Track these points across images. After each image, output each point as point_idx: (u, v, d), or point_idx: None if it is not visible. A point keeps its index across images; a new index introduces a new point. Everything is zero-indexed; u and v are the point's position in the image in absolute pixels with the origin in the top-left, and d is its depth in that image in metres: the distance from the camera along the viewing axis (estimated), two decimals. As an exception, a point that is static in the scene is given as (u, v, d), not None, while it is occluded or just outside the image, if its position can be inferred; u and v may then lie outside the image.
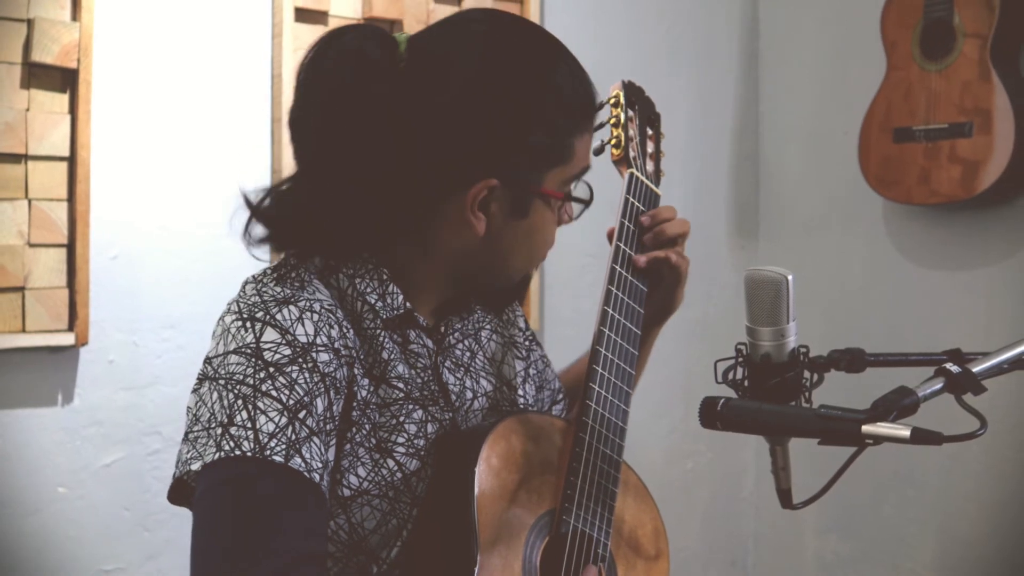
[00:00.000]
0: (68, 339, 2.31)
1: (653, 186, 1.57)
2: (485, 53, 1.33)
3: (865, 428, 1.19)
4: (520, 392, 1.52)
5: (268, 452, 1.18)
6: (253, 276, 1.34)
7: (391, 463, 1.30)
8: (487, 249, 1.36)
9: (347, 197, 1.32)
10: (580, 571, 1.36)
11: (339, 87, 1.30)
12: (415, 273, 1.37)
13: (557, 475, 1.38)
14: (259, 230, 1.35)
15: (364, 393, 1.29)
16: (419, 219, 1.35)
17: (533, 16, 2.89)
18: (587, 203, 1.41)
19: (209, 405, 1.23)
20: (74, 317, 2.32)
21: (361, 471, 1.28)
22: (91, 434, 2.38)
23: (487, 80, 1.31)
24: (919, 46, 2.89)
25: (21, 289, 2.26)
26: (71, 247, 2.32)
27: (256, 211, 1.34)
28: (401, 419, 1.32)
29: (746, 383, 1.40)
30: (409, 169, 1.31)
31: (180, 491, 1.26)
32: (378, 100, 1.30)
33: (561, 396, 1.62)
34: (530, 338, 1.60)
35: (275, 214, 1.34)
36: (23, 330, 2.26)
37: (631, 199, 1.52)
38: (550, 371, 1.62)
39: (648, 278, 1.53)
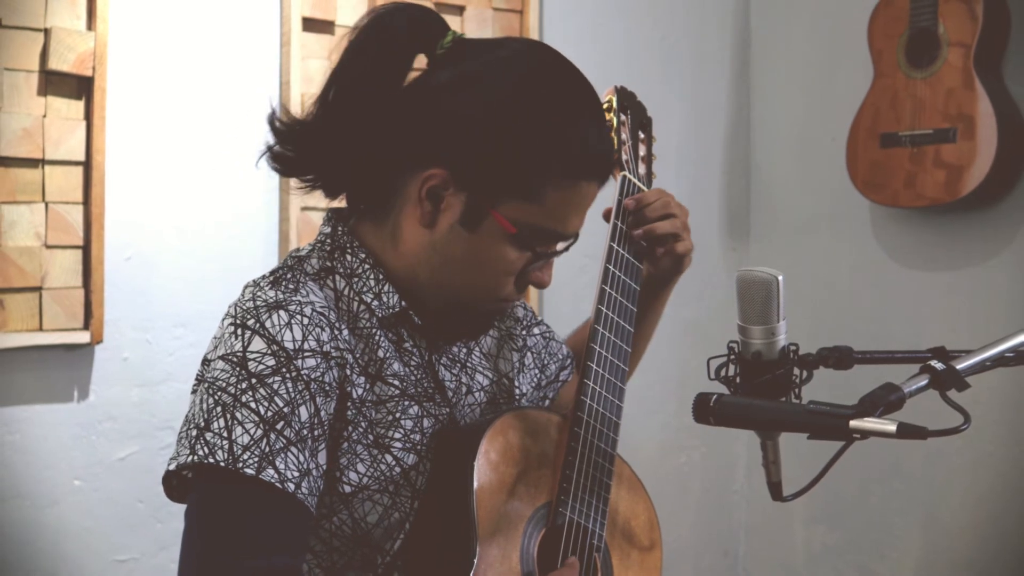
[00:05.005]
0: (84, 337, 2.33)
1: (645, 188, 1.61)
2: (505, 64, 1.33)
3: (853, 423, 1.20)
4: (516, 383, 1.53)
5: (240, 464, 1.20)
6: (253, 280, 1.36)
7: (389, 458, 1.32)
8: (435, 251, 1.34)
9: (339, 135, 1.34)
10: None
11: (367, 40, 1.33)
12: (392, 266, 1.37)
13: (553, 469, 1.40)
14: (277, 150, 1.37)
15: (359, 391, 1.31)
16: (387, 185, 1.36)
17: (532, 23, 2.91)
18: (533, 253, 1.34)
19: (195, 407, 1.27)
20: (89, 316, 2.33)
21: (360, 467, 1.31)
22: (106, 429, 2.39)
23: (491, 84, 1.32)
24: (905, 54, 2.91)
25: (38, 289, 2.28)
26: (87, 248, 2.33)
27: (273, 126, 1.37)
28: (397, 415, 1.34)
29: (738, 380, 1.41)
30: (393, 131, 1.33)
31: (175, 487, 1.30)
32: (394, 64, 1.33)
33: (569, 362, 1.64)
34: (529, 320, 1.61)
35: (286, 135, 1.37)
36: (40, 329, 2.28)
37: (624, 201, 1.55)
38: (554, 343, 1.63)
39: (646, 258, 1.56)
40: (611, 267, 1.52)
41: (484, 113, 1.30)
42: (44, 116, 2.28)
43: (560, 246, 1.38)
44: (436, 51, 1.35)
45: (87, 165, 2.33)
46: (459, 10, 2.80)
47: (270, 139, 1.38)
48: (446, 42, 1.34)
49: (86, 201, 2.34)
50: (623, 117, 1.63)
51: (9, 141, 2.24)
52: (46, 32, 2.27)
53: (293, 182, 1.39)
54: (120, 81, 2.39)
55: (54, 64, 2.27)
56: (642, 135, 1.67)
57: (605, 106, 1.60)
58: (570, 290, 2.96)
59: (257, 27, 2.57)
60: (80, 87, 2.33)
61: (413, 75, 1.37)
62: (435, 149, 1.31)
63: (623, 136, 1.61)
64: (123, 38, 2.39)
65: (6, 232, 2.24)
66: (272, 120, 1.37)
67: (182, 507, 1.27)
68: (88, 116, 2.33)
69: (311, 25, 2.60)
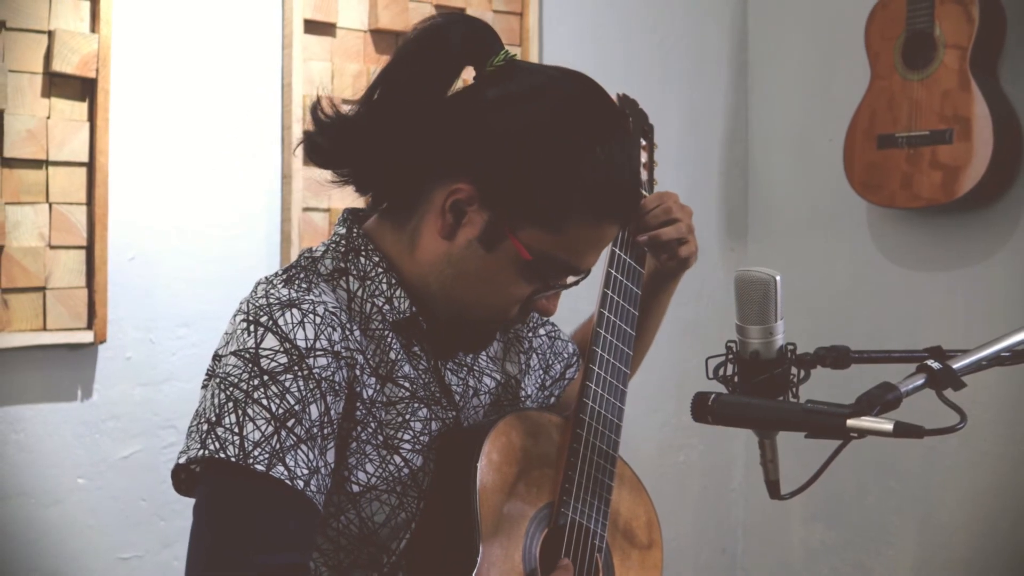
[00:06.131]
0: (87, 337, 2.34)
1: (646, 194, 1.63)
2: (550, 95, 1.33)
3: (850, 422, 1.21)
4: (522, 385, 1.55)
5: (251, 460, 1.21)
6: (265, 277, 1.37)
7: (398, 459, 1.34)
8: (450, 263, 1.34)
9: (378, 134, 1.34)
10: (578, 560, 1.41)
11: (420, 46, 1.34)
12: (406, 272, 1.38)
13: (555, 469, 1.42)
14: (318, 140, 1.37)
15: (370, 392, 1.32)
16: (415, 190, 1.36)
17: (532, 25, 2.92)
18: (543, 282, 1.35)
19: (205, 402, 1.27)
20: (93, 316, 2.34)
21: (369, 467, 1.32)
22: (109, 428, 2.41)
23: (533, 111, 1.31)
24: (901, 56, 2.92)
25: (42, 289, 2.29)
26: (90, 249, 2.34)
27: (316, 117, 1.37)
28: (407, 417, 1.35)
29: (736, 379, 1.41)
30: (430, 138, 1.33)
31: (184, 481, 1.30)
32: (442, 73, 1.34)
33: (575, 360, 1.65)
34: (535, 321, 1.62)
35: (327, 127, 1.37)
36: (44, 328, 2.29)
37: None
38: (560, 342, 1.65)
39: (652, 257, 1.58)
40: (613, 271, 1.54)
41: (522, 138, 1.30)
42: (48, 117, 2.29)
43: (571, 279, 1.38)
44: (486, 67, 1.35)
45: (90, 166, 2.35)
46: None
47: (310, 128, 1.38)
48: (498, 60, 1.34)
49: (89, 202, 2.35)
50: None
51: (13, 142, 2.25)
52: (50, 34, 2.28)
53: (327, 175, 1.39)
54: (123, 83, 2.40)
55: (58, 66, 2.28)
56: (643, 142, 1.68)
57: None
58: (567, 290, 2.97)
59: (259, 29, 2.58)
60: (84, 89, 2.34)
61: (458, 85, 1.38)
62: (468, 163, 1.31)
63: None
64: (126, 40, 2.41)
65: (10, 233, 2.26)
66: (315, 111, 1.37)
67: (185, 505, 1.27)
68: (91, 117, 2.34)
69: (312, 27, 2.61)
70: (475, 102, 1.34)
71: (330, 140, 1.37)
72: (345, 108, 1.38)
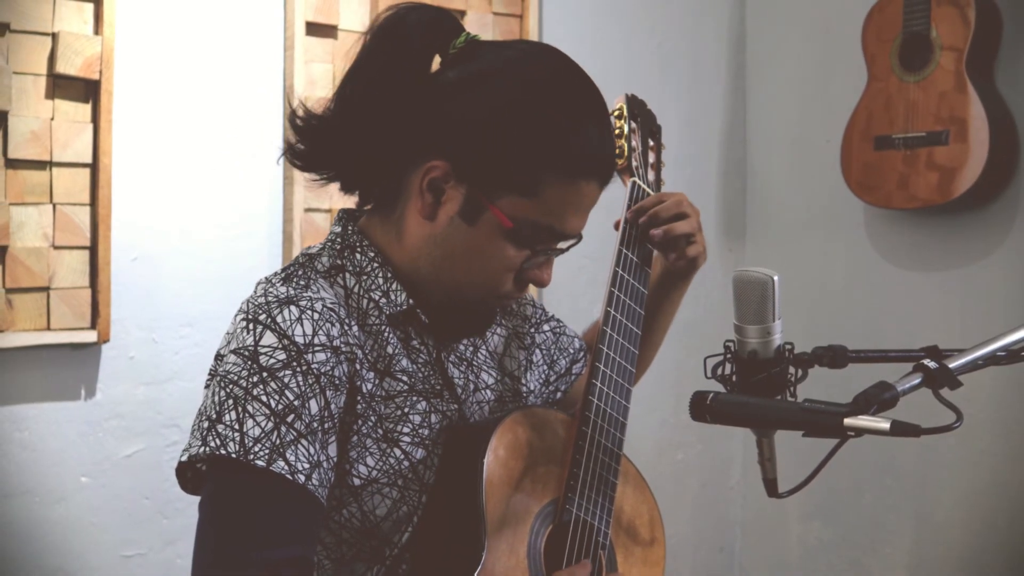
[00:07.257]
0: (91, 336, 2.35)
1: (653, 193, 1.63)
2: (512, 64, 1.35)
3: (847, 421, 1.21)
4: (523, 381, 1.56)
5: (251, 456, 1.22)
6: (265, 277, 1.39)
7: (398, 452, 1.34)
8: (436, 244, 1.36)
9: (354, 130, 1.35)
10: (582, 558, 1.41)
11: (383, 38, 1.36)
12: (397, 261, 1.39)
13: (561, 466, 1.42)
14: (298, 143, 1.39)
15: (369, 386, 1.33)
16: (395, 180, 1.37)
17: (532, 27, 2.93)
18: (531, 250, 1.36)
19: (207, 400, 1.28)
20: (96, 316, 2.35)
21: (370, 460, 1.33)
22: (113, 427, 2.41)
23: (496, 82, 1.33)
24: (898, 58, 2.94)
25: (46, 289, 2.30)
26: (93, 249, 2.35)
27: (294, 124, 1.39)
28: (406, 410, 1.36)
29: (734, 378, 1.41)
30: (402, 127, 1.34)
31: (190, 479, 1.32)
32: (409, 63, 1.35)
33: (582, 355, 1.66)
34: (539, 317, 1.63)
35: (305, 131, 1.39)
36: (48, 328, 2.30)
37: (626, 214, 1.57)
38: (565, 338, 1.65)
39: (659, 258, 1.58)
40: (620, 271, 1.54)
41: (487, 109, 1.31)
42: (52, 119, 2.30)
43: (561, 245, 1.39)
44: (449, 51, 1.36)
45: (94, 167, 2.35)
46: (459, 15, 2.82)
47: (290, 136, 1.40)
48: (459, 42, 1.36)
49: (93, 202, 2.36)
50: (633, 124, 1.64)
51: (18, 143, 2.26)
52: (54, 36, 2.29)
53: (309, 176, 1.41)
54: (126, 84, 2.41)
55: (62, 68, 2.29)
56: (651, 142, 1.69)
57: (616, 113, 1.62)
58: (567, 290, 2.98)
59: (261, 31, 2.59)
60: (87, 90, 2.35)
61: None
62: (439, 142, 1.33)
63: (633, 143, 1.63)
64: (129, 42, 2.41)
65: (15, 233, 2.27)
66: (292, 118, 1.38)
67: (187, 503, 1.29)
68: (95, 119, 2.35)
69: (314, 29, 2.62)
70: (438, 83, 1.35)
71: (308, 142, 1.38)
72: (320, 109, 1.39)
